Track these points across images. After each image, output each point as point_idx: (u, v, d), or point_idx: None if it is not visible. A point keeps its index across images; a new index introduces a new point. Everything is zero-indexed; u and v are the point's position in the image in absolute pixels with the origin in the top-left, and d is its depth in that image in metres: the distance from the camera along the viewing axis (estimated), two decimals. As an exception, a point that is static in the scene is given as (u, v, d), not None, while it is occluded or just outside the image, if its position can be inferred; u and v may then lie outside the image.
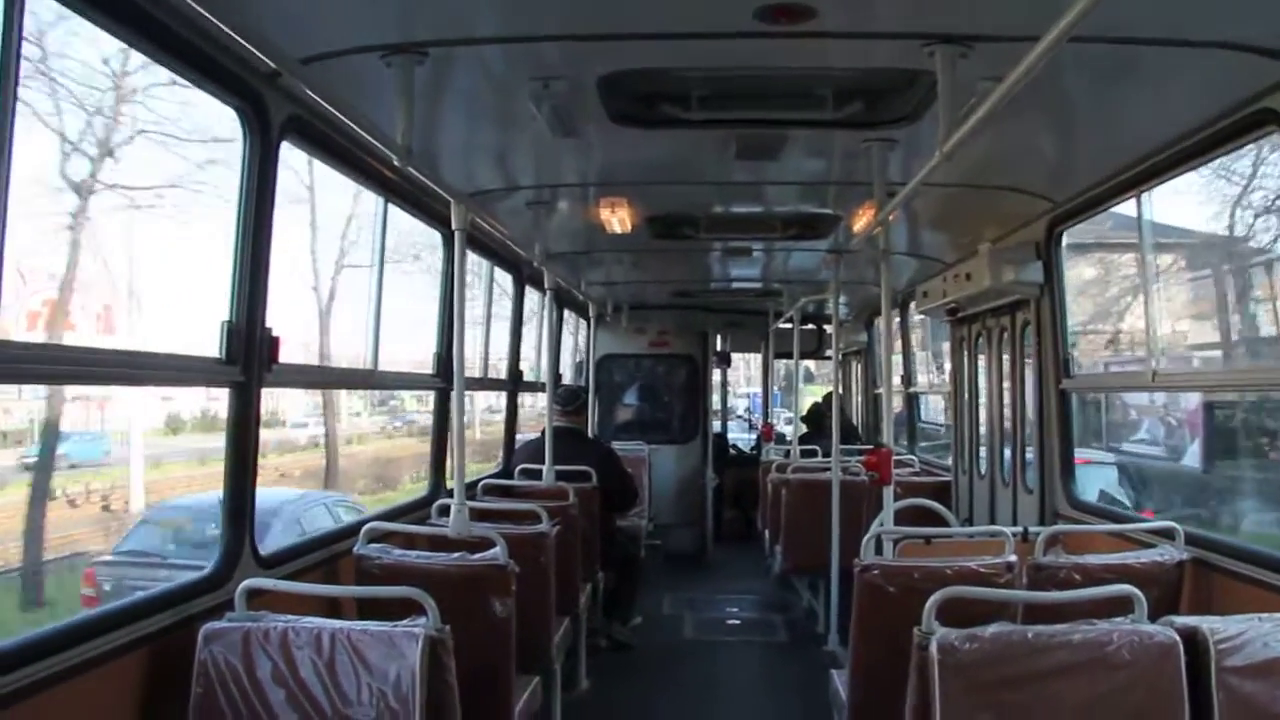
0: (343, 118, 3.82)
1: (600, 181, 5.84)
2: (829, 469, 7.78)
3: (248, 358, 3.72)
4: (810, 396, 14.68)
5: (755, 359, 21.01)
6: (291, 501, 13.26)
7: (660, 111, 4.46)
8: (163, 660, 3.18)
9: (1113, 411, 13.75)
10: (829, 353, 12.62)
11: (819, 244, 7.48)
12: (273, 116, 3.75)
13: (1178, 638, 2.91)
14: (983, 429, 7.88)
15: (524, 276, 8.17)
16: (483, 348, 8.36)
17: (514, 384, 8.33)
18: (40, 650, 2.76)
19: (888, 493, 5.14)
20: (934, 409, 11.31)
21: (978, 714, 2.84)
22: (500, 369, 8.60)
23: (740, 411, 27.50)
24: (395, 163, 3.99)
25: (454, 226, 4.74)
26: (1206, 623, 2.95)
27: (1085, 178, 5.29)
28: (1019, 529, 4.70)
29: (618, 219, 6.38)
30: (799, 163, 5.38)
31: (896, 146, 4.74)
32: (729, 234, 7.44)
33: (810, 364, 19.32)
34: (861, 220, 6.14)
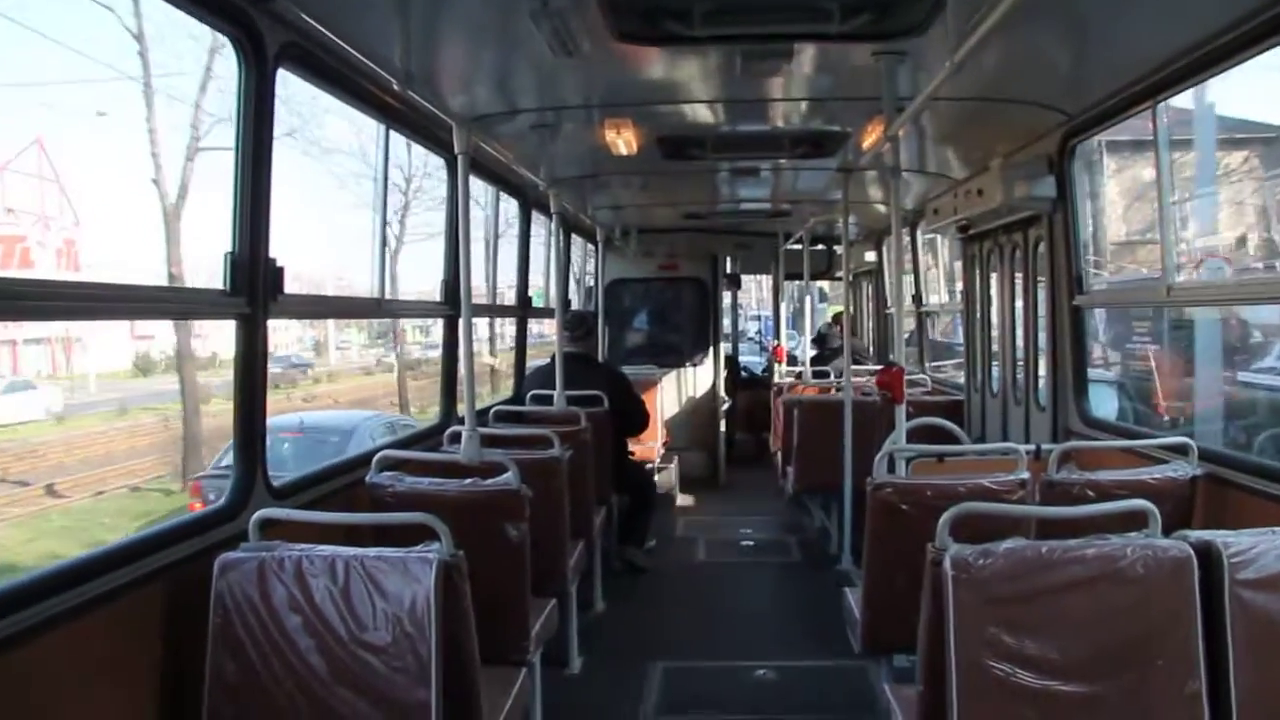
0: (340, 42, 3.73)
1: (604, 103, 5.74)
2: (841, 390, 7.77)
3: (252, 288, 3.69)
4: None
5: (766, 281, 20.93)
6: (369, 419, 16.21)
7: (664, 28, 4.34)
8: (181, 591, 3.21)
9: (1227, 331, 11.63)
10: (839, 273, 12.55)
11: (828, 162, 7.38)
12: (268, 43, 3.67)
13: (1191, 552, 2.90)
14: (995, 347, 7.84)
15: (530, 202, 8.09)
16: (489, 274, 8.33)
17: (523, 310, 8.30)
18: (59, 583, 2.79)
19: (900, 411, 5.12)
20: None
21: (991, 628, 2.85)
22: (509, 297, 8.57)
23: (751, 334, 27.46)
24: (395, 87, 3.92)
25: (456, 150, 4.67)
26: (1220, 537, 2.93)
27: (1099, 89, 5.17)
28: (1031, 446, 4.69)
29: (623, 140, 6.28)
30: (807, 78, 5.27)
31: (906, 59, 4.62)
32: (737, 154, 7.33)
33: (825, 285, 19.26)
34: (871, 137, 6.04)
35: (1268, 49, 3.97)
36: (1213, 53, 4.18)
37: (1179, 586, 2.88)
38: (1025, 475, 4.21)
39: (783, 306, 14.93)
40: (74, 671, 2.79)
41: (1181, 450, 4.42)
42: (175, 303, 3.66)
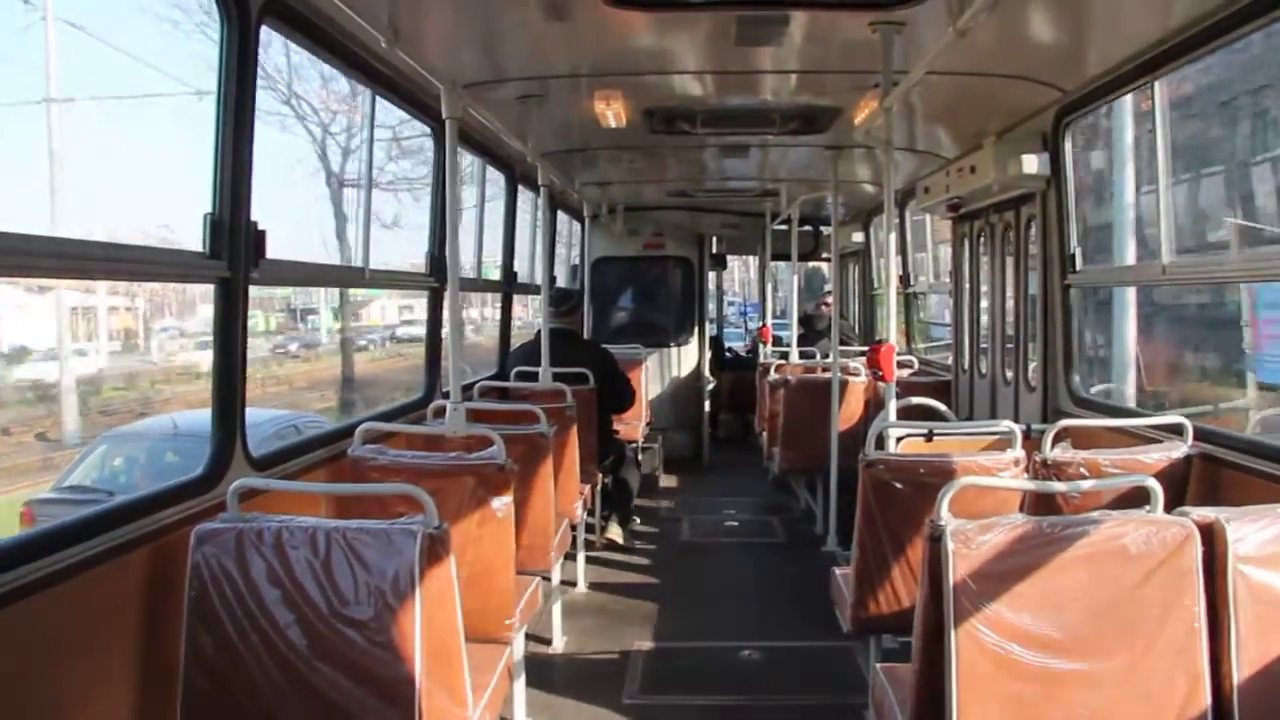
0: None
1: (594, 72, 5.63)
2: (827, 370, 7.72)
3: (233, 252, 3.58)
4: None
5: (750, 263, 20.82)
6: (265, 422, 12.58)
7: None
8: (156, 562, 3.12)
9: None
10: (826, 254, 12.47)
11: (818, 139, 7.30)
12: None
13: (1194, 529, 2.85)
14: (984, 327, 7.80)
15: (517, 175, 7.97)
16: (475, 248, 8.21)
17: (509, 285, 8.19)
18: (29, 552, 2.68)
19: (890, 389, 5.06)
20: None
21: (991, 605, 2.79)
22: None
23: (730, 319, 27.33)
24: (382, 45, 3.82)
25: (445, 115, 4.55)
26: (1222, 514, 2.89)
27: (1096, 65, 5.10)
28: (1023, 425, 4.64)
29: (612, 112, 6.17)
30: (800, 50, 5.18)
31: (903, 30, 4.54)
32: (726, 129, 7.24)
33: (824, 267, 19.23)
34: (863, 112, 5.97)
35: (1269, 23, 3.91)
36: (1212, 27, 4.11)
37: (1181, 564, 2.83)
38: (1020, 454, 4.16)
39: (768, 290, 14.89)
40: (46, 643, 2.70)
41: (1176, 429, 4.38)
42: (149, 264, 3.55)
